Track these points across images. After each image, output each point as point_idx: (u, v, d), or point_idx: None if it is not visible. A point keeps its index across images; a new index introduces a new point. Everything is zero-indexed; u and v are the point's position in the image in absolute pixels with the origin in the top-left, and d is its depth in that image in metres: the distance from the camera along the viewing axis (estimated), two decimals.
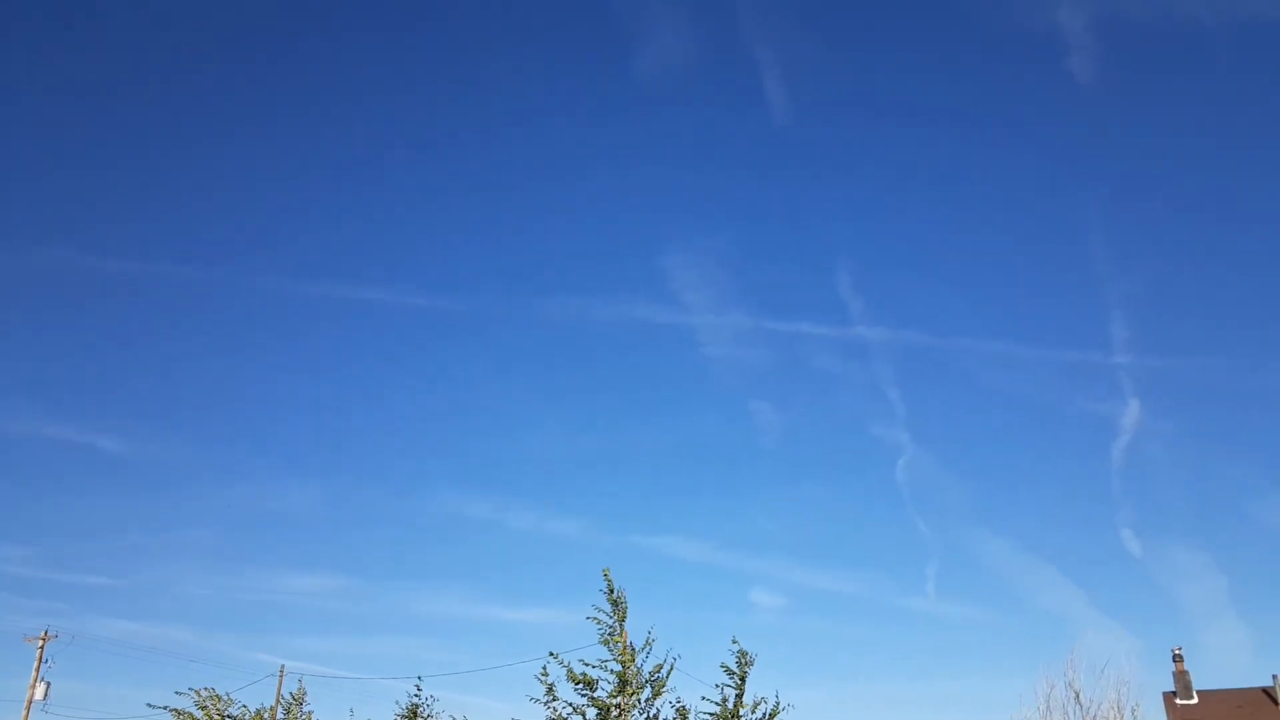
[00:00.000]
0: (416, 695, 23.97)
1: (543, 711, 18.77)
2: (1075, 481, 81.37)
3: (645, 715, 18.93)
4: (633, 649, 18.59)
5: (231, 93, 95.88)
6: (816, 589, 77.93)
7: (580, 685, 18.53)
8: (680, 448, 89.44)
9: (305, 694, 24.73)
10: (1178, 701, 39.05)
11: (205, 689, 21.24)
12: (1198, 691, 39.26)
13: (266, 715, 23.69)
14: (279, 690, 35.57)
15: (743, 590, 78.13)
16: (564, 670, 18.47)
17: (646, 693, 18.89)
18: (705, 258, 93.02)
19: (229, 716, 21.46)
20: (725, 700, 18.66)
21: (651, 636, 18.91)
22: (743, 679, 18.68)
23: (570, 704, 18.77)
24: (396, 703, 24.51)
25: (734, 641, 18.84)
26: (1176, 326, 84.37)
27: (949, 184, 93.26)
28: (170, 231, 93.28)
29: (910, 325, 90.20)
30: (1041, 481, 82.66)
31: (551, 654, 18.83)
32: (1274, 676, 38.18)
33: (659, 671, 18.92)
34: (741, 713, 19.07)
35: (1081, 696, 32.81)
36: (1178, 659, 39.62)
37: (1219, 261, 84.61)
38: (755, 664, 18.79)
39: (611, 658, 18.58)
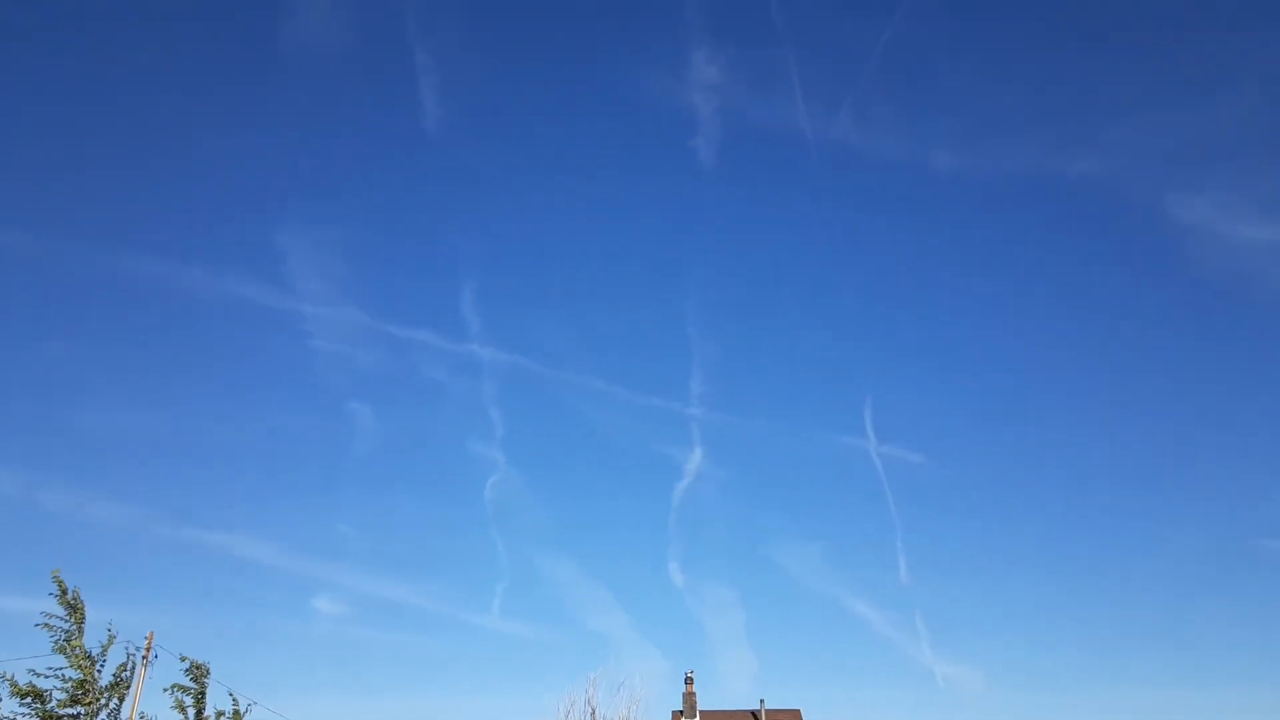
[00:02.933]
0: None
1: None
2: (640, 515, 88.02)
3: None
4: (91, 656, 17.22)
5: None
6: (384, 599, 77.16)
7: (27, 698, 16.81)
8: (266, 439, 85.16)
9: None
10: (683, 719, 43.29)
11: None
12: (701, 711, 43.68)
13: None
14: None
15: (306, 596, 75.52)
16: (6, 683, 16.67)
17: (107, 700, 17.59)
18: (328, 248, 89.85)
19: None
20: (184, 708, 17.83)
21: (112, 636, 17.67)
22: (202, 693, 17.97)
23: (15, 716, 16.98)
24: None
25: (183, 659, 18.11)
26: (742, 390, 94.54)
27: (576, 227, 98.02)
28: None
29: (521, 351, 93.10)
30: (612, 512, 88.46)
31: None
32: (761, 701, 43.59)
33: (123, 671, 17.74)
34: None
35: (598, 713, 35.28)
36: (689, 681, 43.91)
37: (780, 340, 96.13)
38: (211, 674, 18.16)
39: (68, 665, 17.09)
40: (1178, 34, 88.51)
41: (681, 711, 43.63)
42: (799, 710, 43.49)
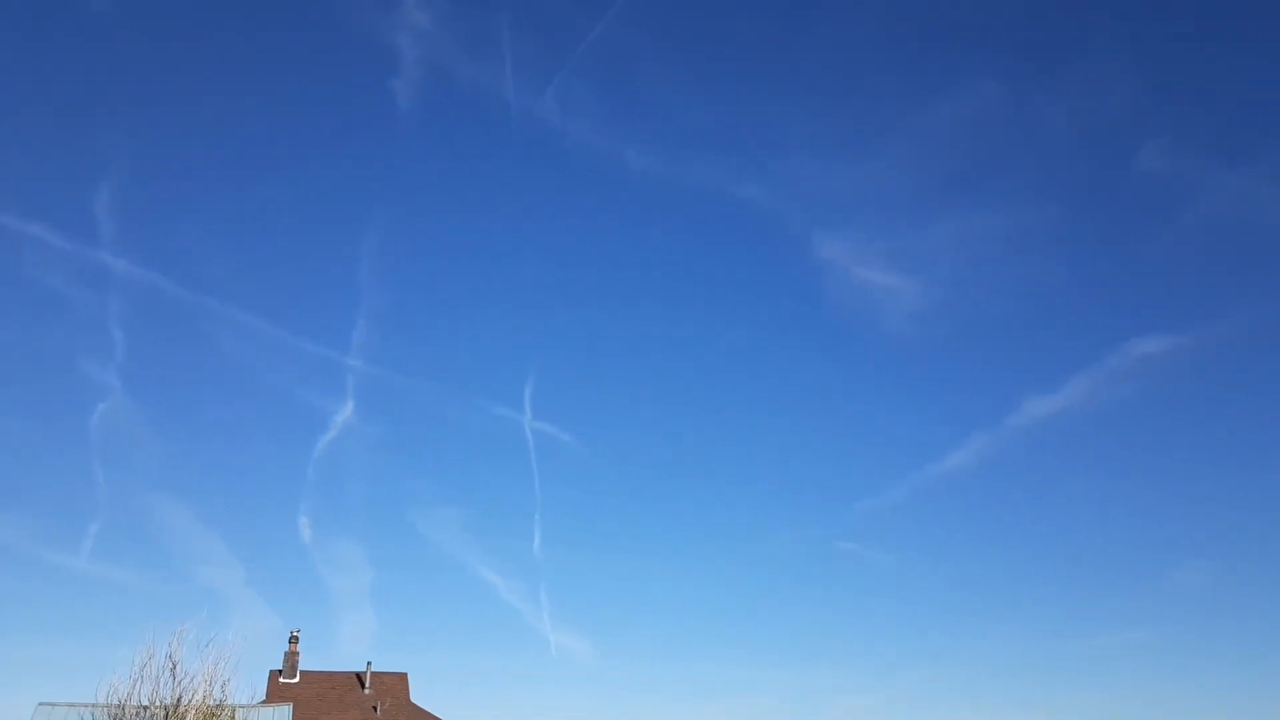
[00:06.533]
0: None
1: None
2: (275, 464, 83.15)
3: None
4: None
5: None
6: None
7: None
8: None
9: None
10: (281, 680, 40.93)
11: None
12: (302, 672, 41.57)
13: None
14: None
15: None
16: None
17: None
18: None
19: None
20: None
21: None
22: None
23: None
24: None
25: None
26: (407, 347, 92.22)
27: (248, 139, 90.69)
28: None
29: (161, 269, 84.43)
30: (242, 458, 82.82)
31: None
32: (368, 663, 42.38)
33: None
34: None
35: (179, 668, 32.13)
36: (293, 640, 41.61)
37: (453, 304, 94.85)
38: None
39: None
40: (850, 87, 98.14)
41: (280, 671, 41.37)
42: (406, 674, 42.78)
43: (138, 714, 27.35)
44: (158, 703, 27.57)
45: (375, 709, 39.81)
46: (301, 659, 41.73)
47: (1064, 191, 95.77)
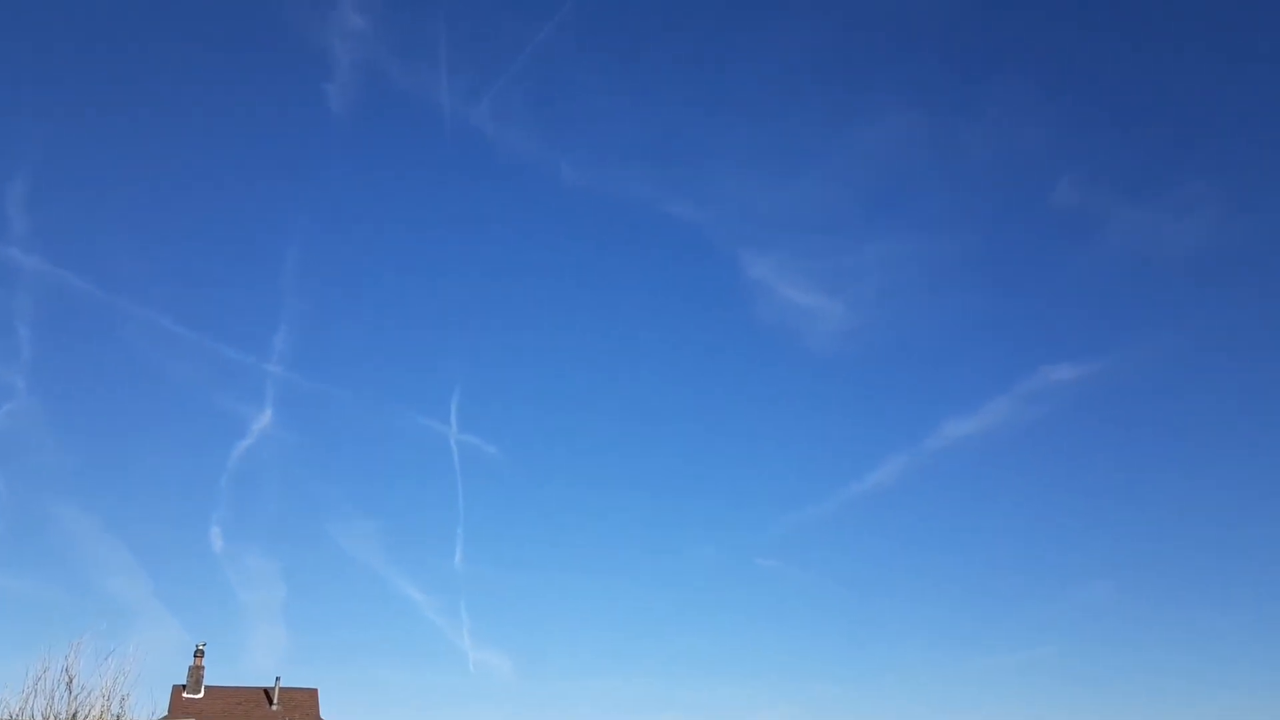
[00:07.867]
0: None
1: None
2: (187, 472, 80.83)
3: None
4: None
5: None
6: None
7: None
8: None
9: None
10: (185, 695, 39.71)
11: None
12: (207, 687, 40.37)
13: None
14: None
15: None
16: None
17: None
18: None
19: None
20: None
21: None
22: None
23: None
24: None
25: None
26: (331, 356, 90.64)
27: (170, 136, 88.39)
28: None
29: (75, 268, 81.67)
30: (153, 465, 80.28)
31: None
32: (277, 679, 41.32)
33: None
34: None
35: (74, 683, 30.98)
36: (199, 654, 40.42)
37: (380, 312, 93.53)
38: None
39: None
40: (781, 108, 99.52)
41: (184, 686, 40.15)
42: (316, 690, 41.85)
43: None
44: (51, 718, 26.53)
45: None
46: (207, 673, 40.57)
47: (981, 221, 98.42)
